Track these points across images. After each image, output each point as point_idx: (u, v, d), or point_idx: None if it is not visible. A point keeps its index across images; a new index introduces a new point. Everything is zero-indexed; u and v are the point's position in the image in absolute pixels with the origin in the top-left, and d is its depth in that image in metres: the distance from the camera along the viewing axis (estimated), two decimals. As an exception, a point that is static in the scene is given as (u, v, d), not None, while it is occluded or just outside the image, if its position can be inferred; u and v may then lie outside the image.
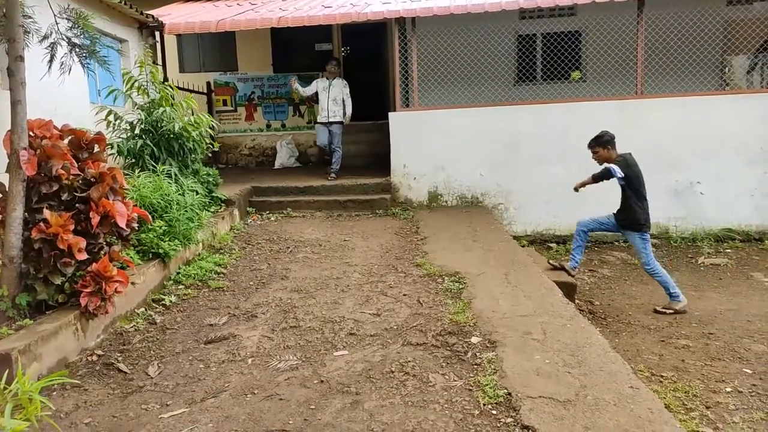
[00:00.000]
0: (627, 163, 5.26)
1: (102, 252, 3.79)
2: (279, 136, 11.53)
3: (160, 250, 4.80)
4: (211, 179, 6.56)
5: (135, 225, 4.14)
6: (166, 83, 5.96)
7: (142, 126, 5.73)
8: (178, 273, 5.10)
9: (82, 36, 4.13)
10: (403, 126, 7.85)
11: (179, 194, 5.37)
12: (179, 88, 10.29)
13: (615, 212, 5.55)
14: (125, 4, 7.45)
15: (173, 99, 5.88)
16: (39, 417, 2.71)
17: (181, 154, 5.90)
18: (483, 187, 7.82)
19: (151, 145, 5.52)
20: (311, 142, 11.06)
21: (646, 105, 7.67)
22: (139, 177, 5.09)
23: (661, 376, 4.07)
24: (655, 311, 5.37)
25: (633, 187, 5.31)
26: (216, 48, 11.80)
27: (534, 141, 7.76)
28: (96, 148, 3.98)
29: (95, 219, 3.60)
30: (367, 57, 12.16)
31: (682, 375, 4.10)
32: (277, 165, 11.16)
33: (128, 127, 5.84)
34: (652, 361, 4.37)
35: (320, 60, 11.70)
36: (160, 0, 11.00)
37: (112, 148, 5.45)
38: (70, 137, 3.88)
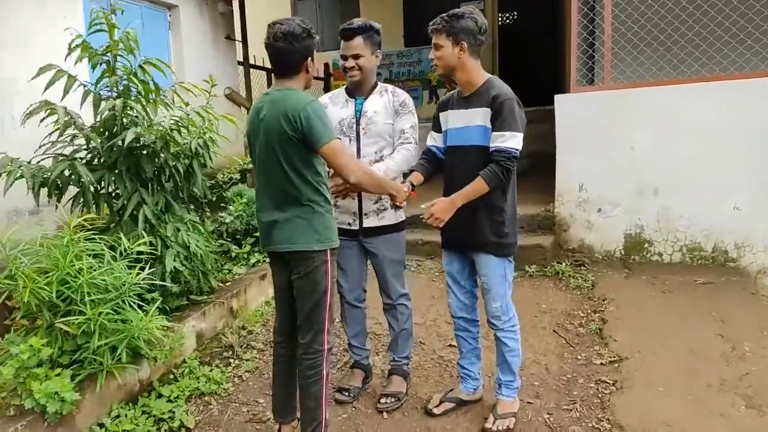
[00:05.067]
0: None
1: None
2: (410, 129, 8.78)
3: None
4: (230, 218, 3.98)
5: None
6: (148, 60, 3.43)
7: (102, 134, 3.30)
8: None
9: None
10: (580, 116, 4.47)
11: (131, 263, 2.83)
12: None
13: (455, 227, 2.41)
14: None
15: (153, 88, 3.34)
16: None
17: (162, 182, 3.37)
18: (738, 232, 4.10)
19: (79, 169, 2.97)
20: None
21: None
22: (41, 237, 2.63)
23: None
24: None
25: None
26: (336, 20, 9.43)
27: None
28: None
29: None
30: (534, 22, 9.30)
31: None
32: (403, 168, 8.42)
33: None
34: None
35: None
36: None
37: (20, 178, 3.05)
38: None
